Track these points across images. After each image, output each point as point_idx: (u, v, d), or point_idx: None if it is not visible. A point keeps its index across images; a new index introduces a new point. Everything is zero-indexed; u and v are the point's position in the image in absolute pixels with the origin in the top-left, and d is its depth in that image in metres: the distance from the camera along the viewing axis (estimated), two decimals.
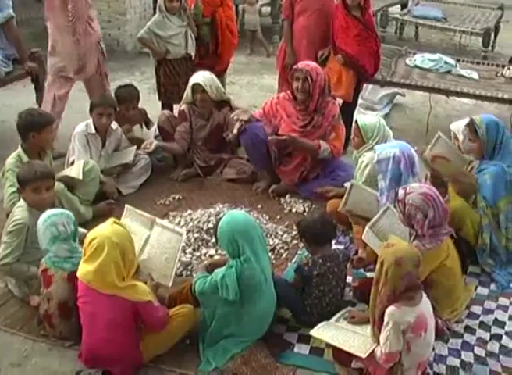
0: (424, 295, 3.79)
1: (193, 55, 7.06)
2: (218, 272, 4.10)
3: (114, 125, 6.06)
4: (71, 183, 5.46)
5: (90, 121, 5.93)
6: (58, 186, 5.10)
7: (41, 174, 4.60)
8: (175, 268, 4.42)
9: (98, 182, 5.71)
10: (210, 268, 4.37)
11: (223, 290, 4.02)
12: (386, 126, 5.34)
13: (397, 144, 4.98)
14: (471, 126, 5.05)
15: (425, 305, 3.78)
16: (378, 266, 3.75)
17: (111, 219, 4.07)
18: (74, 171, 5.52)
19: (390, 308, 3.66)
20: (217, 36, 7.22)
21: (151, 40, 6.92)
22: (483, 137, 4.98)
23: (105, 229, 3.95)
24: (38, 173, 4.58)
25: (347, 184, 5.43)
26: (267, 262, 4.19)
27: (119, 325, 3.89)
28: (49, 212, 4.32)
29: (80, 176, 5.47)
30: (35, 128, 5.21)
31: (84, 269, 3.89)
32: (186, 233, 5.14)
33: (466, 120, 5.37)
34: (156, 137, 6.68)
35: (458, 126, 5.44)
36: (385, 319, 3.67)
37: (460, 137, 5.35)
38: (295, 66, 5.94)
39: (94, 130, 5.90)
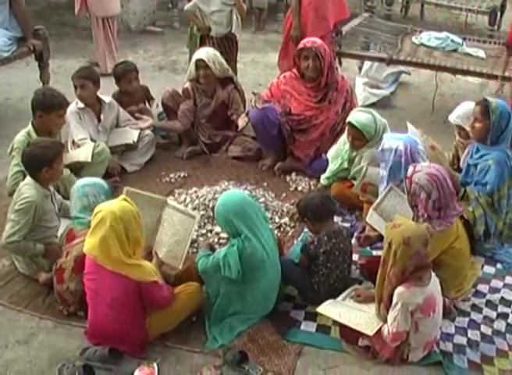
0: (433, 274, 3.79)
1: (238, 36, 7.03)
2: (221, 250, 4.12)
3: (107, 99, 6.01)
4: (79, 166, 5.46)
5: None
6: (65, 172, 5.05)
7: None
8: (186, 250, 4.39)
9: (107, 164, 5.68)
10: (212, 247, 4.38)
11: (225, 268, 4.03)
12: (378, 115, 5.28)
13: (405, 136, 4.91)
14: (484, 108, 4.95)
15: (434, 284, 3.77)
16: (385, 246, 3.74)
17: (121, 196, 4.07)
18: (83, 154, 5.48)
19: (399, 289, 3.66)
20: None
21: (195, 13, 6.91)
22: (494, 123, 4.90)
23: (111, 204, 3.95)
24: None
25: (323, 178, 5.53)
26: (269, 240, 4.17)
27: (122, 304, 3.89)
28: (83, 181, 4.43)
29: (89, 159, 5.43)
30: (43, 108, 5.17)
31: (90, 244, 3.89)
32: (192, 210, 5.12)
33: (463, 107, 5.37)
34: (160, 114, 6.65)
35: (460, 116, 5.34)
36: (394, 300, 3.67)
37: (468, 127, 5.24)
38: (301, 46, 5.88)
39: (82, 105, 5.86)
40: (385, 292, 3.76)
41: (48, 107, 5.17)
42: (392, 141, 4.81)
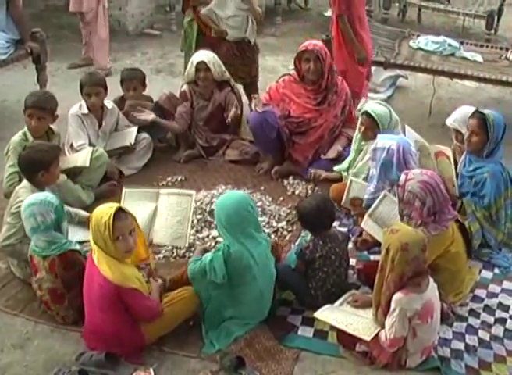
0: (431, 280, 3.77)
1: (252, 40, 7.00)
2: (207, 255, 4.11)
3: (109, 104, 5.98)
4: (77, 171, 5.43)
5: (84, 102, 5.86)
6: (61, 178, 5.04)
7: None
8: (189, 227, 4.61)
9: (105, 169, 5.64)
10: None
11: (211, 273, 4.03)
12: (393, 111, 5.30)
13: (398, 137, 4.94)
14: (481, 121, 4.93)
15: (432, 290, 3.76)
16: (383, 252, 3.72)
17: (116, 205, 3.94)
18: (81, 159, 5.43)
19: (397, 295, 3.65)
20: None
21: (212, 17, 6.90)
22: (492, 137, 4.89)
23: (102, 207, 3.92)
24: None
25: (336, 168, 5.56)
26: (258, 247, 4.12)
27: (110, 307, 3.89)
28: (29, 199, 4.21)
29: (87, 164, 5.38)
30: (25, 107, 5.22)
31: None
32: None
33: (461, 111, 5.35)
34: None
35: (457, 120, 5.33)
36: (392, 306, 3.66)
37: (464, 131, 5.19)
38: (302, 48, 5.86)
39: (87, 111, 5.83)
40: (382, 298, 3.74)
41: (24, 105, 5.21)
42: (385, 140, 4.83)
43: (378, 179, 4.81)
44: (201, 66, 6.16)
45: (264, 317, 4.25)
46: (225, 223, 4.06)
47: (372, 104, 5.38)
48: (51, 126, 5.37)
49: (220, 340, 4.11)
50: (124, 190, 4.91)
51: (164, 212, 4.62)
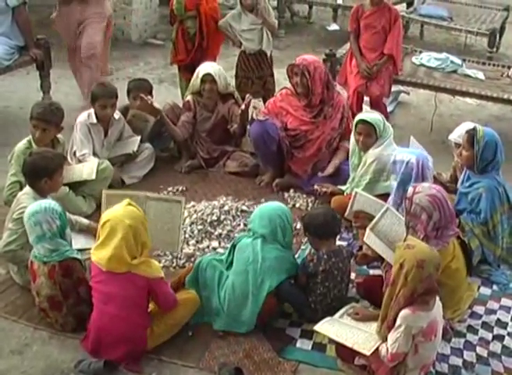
0: (437, 298, 3.75)
1: (268, 52, 7.11)
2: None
3: (116, 115, 6.00)
4: (81, 181, 5.43)
5: (93, 111, 5.86)
6: (63, 190, 5.06)
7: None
8: (181, 233, 4.69)
9: (109, 182, 5.63)
10: None
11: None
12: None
13: (417, 151, 4.99)
14: (470, 137, 4.97)
15: (438, 309, 3.74)
16: (396, 266, 3.67)
17: (125, 201, 4.08)
18: (87, 171, 5.43)
19: (404, 311, 3.62)
20: (202, 29, 7.14)
21: (227, 29, 7.04)
22: (477, 153, 4.90)
23: (118, 211, 3.98)
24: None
25: (343, 187, 5.56)
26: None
27: (133, 304, 3.95)
28: (33, 207, 4.21)
29: (93, 177, 5.38)
30: (30, 117, 5.22)
31: (99, 255, 3.93)
32: (190, 225, 5.15)
33: (463, 127, 5.37)
34: None
35: (461, 135, 5.31)
36: (398, 322, 3.63)
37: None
38: (294, 62, 5.94)
39: (95, 121, 5.84)
40: (390, 312, 3.69)
41: (30, 115, 5.22)
42: (404, 153, 4.88)
43: (396, 192, 4.86)
44: (207, 78, 6.18)
45: (258, 328, 4.29)
46: (257, 222, 4.37)
47: (362, 113, 5.46)
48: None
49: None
50: (104, 193, 4.87)
51: (153, 219, 4.58)
